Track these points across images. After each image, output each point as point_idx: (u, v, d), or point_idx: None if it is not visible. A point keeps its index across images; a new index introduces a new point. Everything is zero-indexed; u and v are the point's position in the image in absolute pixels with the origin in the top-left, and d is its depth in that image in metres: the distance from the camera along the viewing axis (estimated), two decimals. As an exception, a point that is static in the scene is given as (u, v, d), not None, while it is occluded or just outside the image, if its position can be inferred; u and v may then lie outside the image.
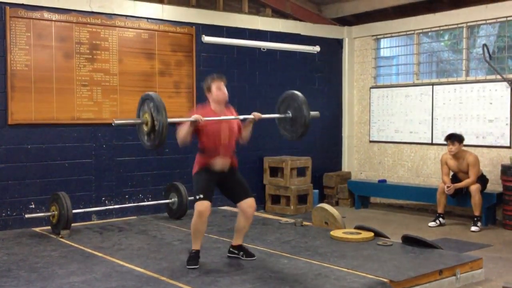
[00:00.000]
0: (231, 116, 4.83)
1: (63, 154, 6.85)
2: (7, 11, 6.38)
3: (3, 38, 6.38)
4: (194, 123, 4.58)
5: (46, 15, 6.65)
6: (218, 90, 4.75)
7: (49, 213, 6.15)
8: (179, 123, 4.74)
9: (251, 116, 4.85)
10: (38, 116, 6.62)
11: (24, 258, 5.06)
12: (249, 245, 5.25)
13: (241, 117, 4.88)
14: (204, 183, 4.67)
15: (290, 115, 5.09)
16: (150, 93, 4.54)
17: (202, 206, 4.57)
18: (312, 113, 5.05)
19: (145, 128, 4.50)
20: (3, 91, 6.41)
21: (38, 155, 6.67)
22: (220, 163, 4.70)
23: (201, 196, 4.60)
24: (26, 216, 6.20)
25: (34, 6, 6.57)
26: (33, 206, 6.63)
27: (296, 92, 5.13)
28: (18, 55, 6.47)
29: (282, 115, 5.14)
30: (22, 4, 6.49)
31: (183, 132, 4.63)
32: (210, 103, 4.81)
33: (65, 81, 6.81)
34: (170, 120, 4.43)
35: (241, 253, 4.93)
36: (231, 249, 5.00)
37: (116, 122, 4.59)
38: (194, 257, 4.72)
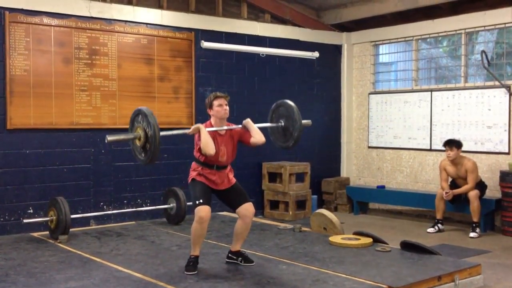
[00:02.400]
0: (230, 142, 4.80)
1: (62, 159, 6.84)
2: (7, 16, 6.39)
3: (2, 43, 6.39)
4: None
5: (46, 20, 6.66)
6: (219, 106, 4.73)
7: (47, 218, 6.14)
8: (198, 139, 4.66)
9: (239, 126, 4.84)
10: (37, 121, 6.62)
11: (22, 263, 5.05)
12: (248, 251, 5.25)
13: (234, 126, 4.85)
14: (201, 189, 4.68)
15: (282, 124, 5.07)
16: (142, 108, 4.54)
17: (203, 211, 4.58)
18: (304, 121, 5.03)
19: (138, 143, 4.51)
20: (2, 96, 6.41)
21: (36, 160, 6.67)
22: (216, 178, 4.73)
23: (201, 201, 4.60)
24: (24, 221, 6.19)
25: (33, 11, 6.57)
26: (31, 211, 6.62)
27: (289, 101, 5.09)
28: (17, 60, 6.47)
29: (274, 124, 5.12)
30: (22, 9, 6.50)
31: (205, 143, 4.55)
32: (211, 120, 4.80)
33: (64, 86, 6.81)
34: (162, 133, 4.42)
35: (240, 258, 4.93)
36: (229, 254, 4.99)
37: (109, 139, 4.58)
38: (193, 263, 4.72)
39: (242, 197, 4.81)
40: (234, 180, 4.88)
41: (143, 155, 4.51)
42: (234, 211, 4.88)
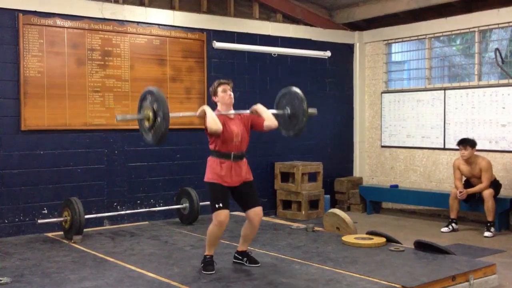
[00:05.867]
0: (241, 124, 4.80)
1: (76, 159, 6.89)
2: (20, 18, 6.44)
3: (16, 45, 6.45)
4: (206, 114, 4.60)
5: (59, 22, 6.71)
6: (224, 92, 4.77)
7: (61, 219, 6.18)
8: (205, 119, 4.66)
9: (247, 111, 4.88)
10: (51, 122, 6.67)
11: (36, 263, 5.09)
12: (260, 251, 5.25)
13: (241, 111, 4.88)
14: (220, 191, 4.67)
15: (289, 111, 5.04)
16: (151, 88, 4.54)
17: (223, 216, 4.60)
18: (310, 110, 5.02)
19: (147, 124, 4.49)
20: (16, 97, 6.46)
21: (50, 160, 6.72)
22: (233, 172, 4.68)
23: (220, 205, 4.61)
24: (39, 221, 6.23)
25: (46, 13, 6.63)
26: (45, 211, 6.67)
27: (295, 88, 5.08)
28: (31, 62, 6.53)
29: (281, 111, 5.09)
30: (35, 11, 6.55)
31: (211, 118, 4.57)
32: (218, 107, 4.82)
33: (78, 88, 6.86)
34: (171, 115, 4.39)
35: (245, 259, 4.93)
36: (236, 254, 5.00)
37: (118, 117, 4.62)
38: (210, 263, 4.74)
39: (254, 200, 4.80)
40: (251, 176, 4.84)
41: (150, 135, 4.48)
42: (243, 211, 4.86)
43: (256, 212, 4.77)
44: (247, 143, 4.84)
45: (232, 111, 4.81)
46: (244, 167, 4.79)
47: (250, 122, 4.87)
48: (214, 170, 4.70)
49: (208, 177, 4.74)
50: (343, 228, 6.19)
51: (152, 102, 4.41)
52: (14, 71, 6.45)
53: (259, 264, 4.88)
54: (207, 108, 4.65)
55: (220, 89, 4.78)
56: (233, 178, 4.71)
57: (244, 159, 4.82)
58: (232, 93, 4.81)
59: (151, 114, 4.41)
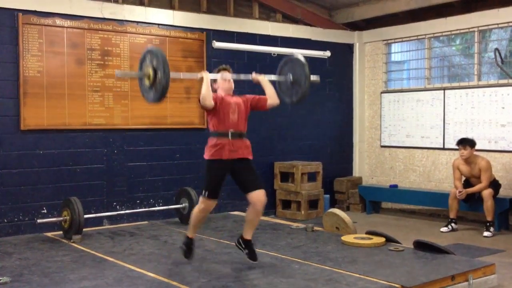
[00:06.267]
0: (240, 100, 4.82)
1: (75, 159, 6.89)
2: (20, 18, 6.44)
3: (15, 44, 6.44)
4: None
5: (58, 21, 6.71)
6: (223, 79, 4.82)
7: (61, 218, 6.18)
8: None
9: (250, 77, 4.97)
10: (50, 121, 6.67)
11: (36, 263, 5.09)
12: (260, 250, 5.24)
13: (242, 76, 5.00)
14: (213, 181, 4.73)
15: (291, 78, 5.08)
16: (152, 47, 4.64)
17: (208, 204, 4.76)
18: (313, 77, 5.05)
19: (147, 82, 4.56)
20: (16, 97, 6.46)
21: (50, 160, 6.72)
22: (232, 147, 4.68)
23: (210, 195, 4.72)
24: (38, 221, 6.23)
25: (46, 13, 6.62)
26: (45, 211, 6.67)
27: (299, 55, 5.14)
28: (30, 62, 6.53)
29: (283, 78, 5.15)
30: (35, 11, 6.55)
31: (204, 90, 4.62)
32: (218, 92, 4.85)
33: (77, 87, 6.85)
34: (171, 74, 4.48)
35: (246, 251, 4.81)
36: (239, 239, 4.88)
37: (118, 73, 4.72)
38: (190, 248, 4.95)
39: (256, 182, 4.73)
40: (250, 155, 4.81)
41: (152, 93, 4.55)
42: (244, 194, 4.78)
43: (258, 196, 4.68)
44: (245, 122, 4.83)
45: (233, 76, 4.90)
46: (243, 144, 4.77)
47: (250, 104, 4.88)
48: (211, 146, 4.72)
49: (206, 153, 4.77)
50: (342, 228, 6.19)
51: (152, 59, 4.50)
52: (14, 70, 6.45)
53: (256, 262, 4.80)
54: (205, 76, 4.68)
55: (219, 75, 4.84)
56: (232, 150, 4.68)
57: (244, 139, 4.80)
58: (230, 77, 4.85)
59: (151, 72, 4.49)
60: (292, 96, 5.11)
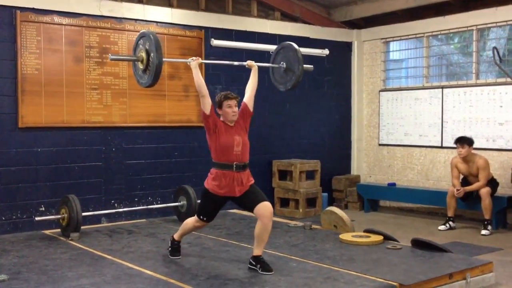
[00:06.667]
0: (242, 131, 4.74)
1: (73, 157, 6.88)
2: (18, 15, 6.43)
3: (13, 42, 6.43)
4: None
5: (56, 19, 6.70)
6: (229, 108, 4.68)
7: (59, 216, 6.18)
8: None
9: (244, 64, 5.05)
10: (48, 119, 6.66)
11: (34, 260, 5.09)
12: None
13: (236, 63, 5.15)
14: (211, 205, 4.77)
15: (284, 65, 5.24)
16: (146, 31, 4.71)
17: (202, 224, 4.92)
18: (306, 66, 5.15)
19: (141, 66, 4.68)
20: (14, 94, 6.45)
21: (48, 158, 6.71)
22: (234, 184, 4.61)
23: (204, 219, 4.84)
24: (36, 218, 6.23)
25: (44, 10, 6.61)
26: (43, 208, 6.66)
27: (292, 44, 5.29)
28: (28, 59, 6.51)
29: (276, 65, 5.32)
30: (33, 8, 6.54)
31: (196, 76, 4.73)
32: (220, 118, 4.76)
33: (75, 85, 6.84)
34: (164, 59, 4.61)
35: (258, 265, 4.60)
36: (250, 260, 4.70)
37: (111, 57, 4.87)
38: (177, 249, 5.12)
39: (259, 197, 4.62)
40: (252, 180, 4.74)
41: (146, 76, 4.65)
42: (252, 212, 4.68)
43: (264, 207, 4.55)
44: (248, 151, 4.75)
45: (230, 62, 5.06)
46: (246, 176, 4.69)
47: (245, 116, 4.83)
48: (214, 182, 4.65)
49: (208, 184, 4.70)
50: (340, 226, 6.20)
51: (145, 42, 4.62)
52: (12, 68, 6.44)
53: (273, 273, 4.54)
54: (194, 68, 4.75)
55: (225, 103, 4.69)
56: (236, 189, 4.63)
57: (247, 170, 4.73)
58: (237, 109, 4.72)
59: (144, 55, 4.60)
60: (287, 83, 5.28)
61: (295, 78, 5.17)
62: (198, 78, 4.71)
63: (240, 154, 4.65)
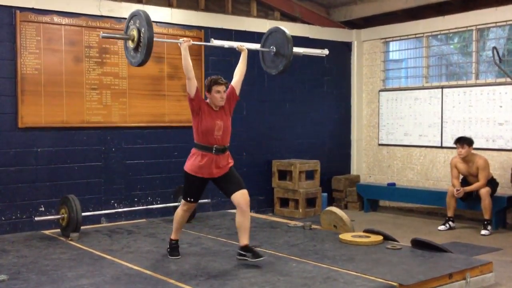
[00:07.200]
0: (225, 116, 4.86)
1: (73, 157, 6.88)
2: (17, 15, 6.42)
3: (13, 42, 6.43)
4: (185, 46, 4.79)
5: (56, 19, 6.70)
6: (217, 93, 4.80)
7: (58, 216, 6.18)
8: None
9: (234, 46, 5.14)
10: (48, 119, 6.66)
11: (33, 260, 5.09)
12: (258, 248, 5.24)
13: (226, 45, 5.27)
14: (194, 186, 4.88)
15: (274, 49, 5.37)
16: (138, 10, 4.76)
17: (191, 205, 5.01)
18: (296, 49, 5.23)
19: (131, 44, 4.75)
20: (13, 94, 6.45)
21: (48, 158, 6.71)
22: (213, 166, 4.77)
23: (192, 200, 4.92)
24: (36, 218, 6.23)
25: (44, 10, 6.61)
26: (42, 209, 6.66)
27: (282, 27, 5.44)
28: (28, 59, 6.51)
29: (266, 49, 5.45)
30: (32, 8, 6.54)
31: (185, 59, 4.77)
32: (207, 101, 4.90)
33: (75, 85, 6.84)
34: (155, 39, 4.63)
35: (248, 254, 4.77)
36: (238, 250, 4.88)
37: (102, 34, 4.94)
38: (175, 248, 5.12)
39: (237, 184, 4.80)
40: (231, 162, 4.90)
41: (138, 55, 4.70)
42: (228, 197, 4.89)
43: (241, 195, 4.75)
44: (229, 135, 4.91)
45: (222, 42, 5.20)
46: (225, 158, 4.86)
47: (231, 100, 4.94)
48: (194, 161, 4.82)
49: (187, 166, 4.87)
50: (340, 226, 6.20)
51: (135, 21, 4.68)
52: (11, 68, 6.43)
53: (264, 257, 4.75)
54: (183, 48, 4.76)
55: (215, 88, 4.81)
56: (214, 171, 4.80)
57: (227, 152, 4.89)
58: (225, 95, 4.84)
59: (135, 33, 4.66)
60: (278, 65, 5.40)
61: (286, 59, 5.29)
62: (186, 60, 4.76)
63: (220, 138, 4.82)
